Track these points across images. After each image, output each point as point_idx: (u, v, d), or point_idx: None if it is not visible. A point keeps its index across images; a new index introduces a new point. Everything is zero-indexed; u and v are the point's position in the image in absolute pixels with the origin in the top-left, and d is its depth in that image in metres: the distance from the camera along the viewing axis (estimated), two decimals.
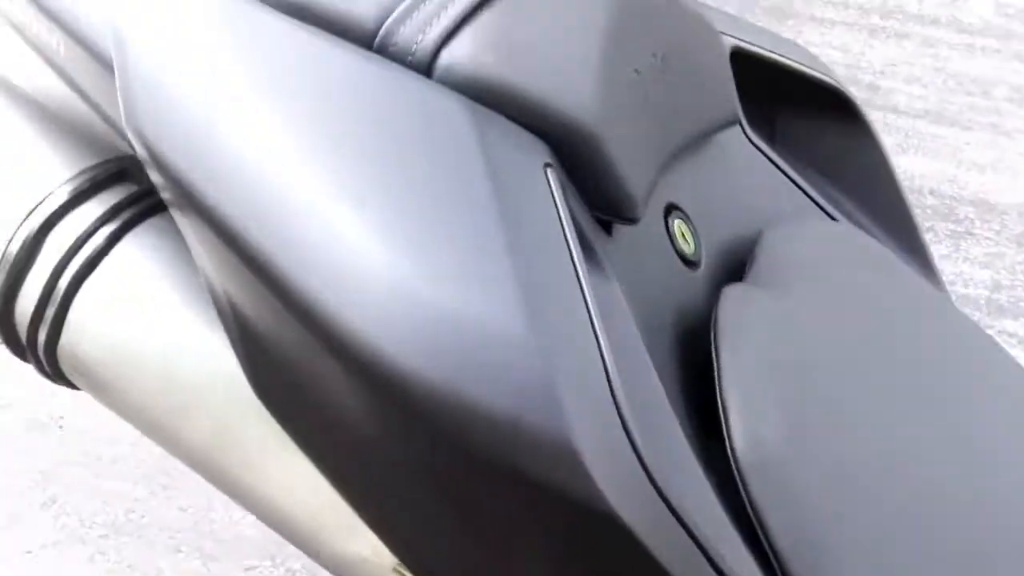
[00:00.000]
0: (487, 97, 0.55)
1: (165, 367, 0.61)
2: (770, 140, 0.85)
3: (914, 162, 2.66)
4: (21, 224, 0.63)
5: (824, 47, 3.12)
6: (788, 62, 0.81)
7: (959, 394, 0.72)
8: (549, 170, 0.54)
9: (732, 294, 0.63)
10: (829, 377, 0.64)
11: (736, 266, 0.69)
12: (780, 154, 0.83)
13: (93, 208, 0.63)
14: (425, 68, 0.56)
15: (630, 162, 0.58)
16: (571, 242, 0.51)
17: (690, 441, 0.55)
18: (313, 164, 0.50)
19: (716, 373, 0.59)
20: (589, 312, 0.49)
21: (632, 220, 0.59)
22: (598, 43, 0.59)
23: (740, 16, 0.86)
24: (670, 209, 0.68)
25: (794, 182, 0.78)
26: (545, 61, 0.56)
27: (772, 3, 3.27)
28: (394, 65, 0.55)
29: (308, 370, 0.50)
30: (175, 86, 0.54)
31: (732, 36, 0.78)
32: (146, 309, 0.61)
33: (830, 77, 0.84)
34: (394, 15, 0.56)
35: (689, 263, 0.67)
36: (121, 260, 0.62)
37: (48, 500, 1.68)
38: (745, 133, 0.76)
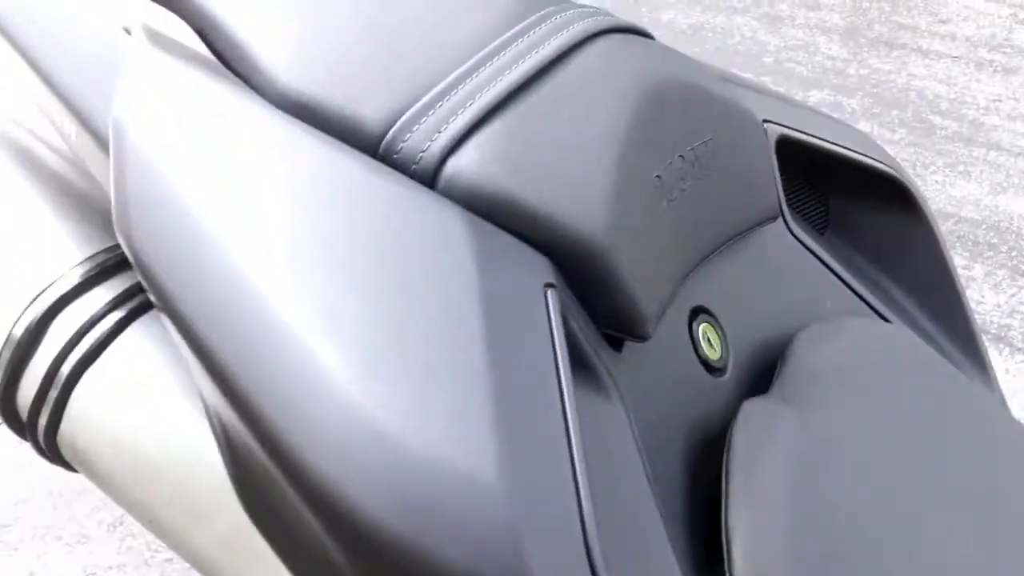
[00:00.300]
0: (491, 210, 0.53)
1: (170, 467, 0.60)
2: (823, 227, 0.81)
3: (1013, 202, 2.57)
4: (29, 305, 0.63)
5: (928, 79, 3.04)
6: (840, 150, 0.78)
7: (1016, 525, 0.68)
8: (550, 291, 0.52)
9: (750, 410, 0.60)
10: (853, 506, 0.60)
11: (766, 372, 0.66)
12: (832, 242, 0.80)
13: (102, 294, 0.62)
14: (430, 177, 0.54)
15: (642, 278, 0.56)
16: (563, 374, 0.49)
17: (698, 567, 0.53)
18: (293, 283, 0.48)
19: (724, 500, 0.56)
20: (572, 457, 0.47)
21: (642, 338, 0.56)
22: (610, 154, 0.56)
23: (794, 98, 0.83)
24: (696, 312, 0.65)
25: (840, 278, 0.75)
26: (552, 174, 0.54)
27: (877, 34, 3.20)
28: (395, 175, 0.53)
29: (278, 492, 0.49)
30: (165, 186, 0.53)
31: (779, 124, 0.74)
32: (151, 403, 0.60)
33: (887, 164, 0.81)
34: (401, 121, 0.55)
35: (714, 370, 0.64)
36: (127, 349, 0.61)
37: (115, 522, 1.70)
38: (788, 226, 0.73)
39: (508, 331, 0.49)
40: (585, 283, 0.54)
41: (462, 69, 0.57)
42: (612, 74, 0.60)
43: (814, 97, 2.91)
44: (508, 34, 0.59)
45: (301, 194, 0.52)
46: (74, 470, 0.64)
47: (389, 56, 0.57)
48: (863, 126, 2.80)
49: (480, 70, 0.57)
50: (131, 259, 0.53)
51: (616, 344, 0.57)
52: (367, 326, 0.47)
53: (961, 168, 2.69)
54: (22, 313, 0.62)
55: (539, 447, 0.46)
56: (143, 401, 0.60)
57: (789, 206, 0.79)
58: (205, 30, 0.61)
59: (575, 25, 0.61)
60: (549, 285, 0.52)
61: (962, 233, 2.45)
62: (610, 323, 0.56)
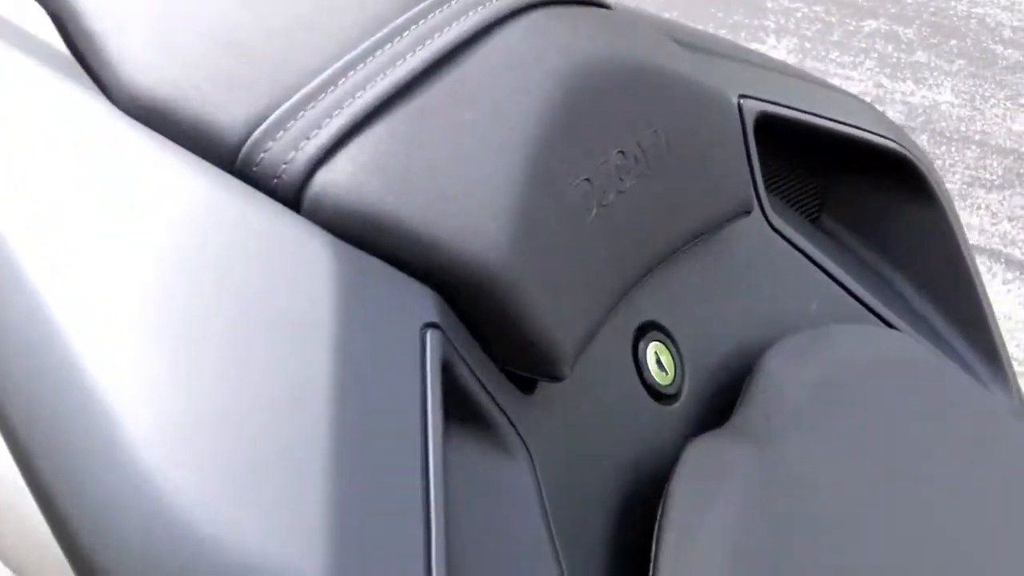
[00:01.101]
0: (367, 234, 0.45)
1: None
2: (817, 213, 0.71)
3: None
4: None
5: (989, 5, 2.87)
6: (835, 125, 0.68)
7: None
8: (430, 333, 0.43)
9: (696, 450, 0.51)
10: (807, 561, 0.51)
11: (729, 396, 0.57)
12: (829, 231, 0.70)
13: None
14: (293, 195, 0.45)
15: (557, 308, 0.47)
16: (431, 441, 0.40)
17: None
18: (101, 327, 0.40)
19: (652, 565, 0.47)
20: (430, 548, 0.38)
21: (556, 379, 0.47)
22: (519, 159, 0.47)
23: (792, 63, 0.72)
24: (645, 330, 0.56)
25: (830, 275, 0.65)
26: (444, 188, 0.45)
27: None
28: (250, 194, 0.45)
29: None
30: None
31: (759, 99, 0.64)
32: None
33: (895, 139, 0.70)
34: (262, 128, 0.46)
35: (663, 396, 0.55)
36: None
37: None
38: (767, 218, 0.63)
39: (366, 391, 0.40)
40: (482, 318, 0.46)
41: (340, 63, 0.48)
42: (530, 60, 0.50)
43: (869, 27, 2.76)
44: (402, 18, 0.50)
45: (129, 218, 0.43)
46: None
47: (258, 52, 0.49)
48: (920, 57, 2.65)
49: (362, 64, 0.48)
50: None
51: (528, 385, 0.48)
52: (183, 388, 0.39)
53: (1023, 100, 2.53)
54: None
55: (389, 540, 0.38)
56: None
57: (777, 191, 0.69)
58: (62, 17, 0.52)
59: (491, 3, 0.52)
60: (430, 325, 0.43)
61: (1022, 171, 2.31)
62: (515, 363, 0.47)
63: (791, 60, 2.56)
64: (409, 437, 0.40)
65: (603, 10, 0.58)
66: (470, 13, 0.51)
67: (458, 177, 0.45)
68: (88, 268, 0.42)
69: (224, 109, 0.46)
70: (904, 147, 0.70)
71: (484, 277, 0.45)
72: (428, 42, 0.49)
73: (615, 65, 0.54)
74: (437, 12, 0.51)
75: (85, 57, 0.50)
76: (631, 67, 0.55)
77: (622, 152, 0.52)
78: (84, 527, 0.37)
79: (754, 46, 2.56)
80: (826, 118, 0.67)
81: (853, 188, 0.71)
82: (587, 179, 0.50)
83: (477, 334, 0.46)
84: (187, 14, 0.51)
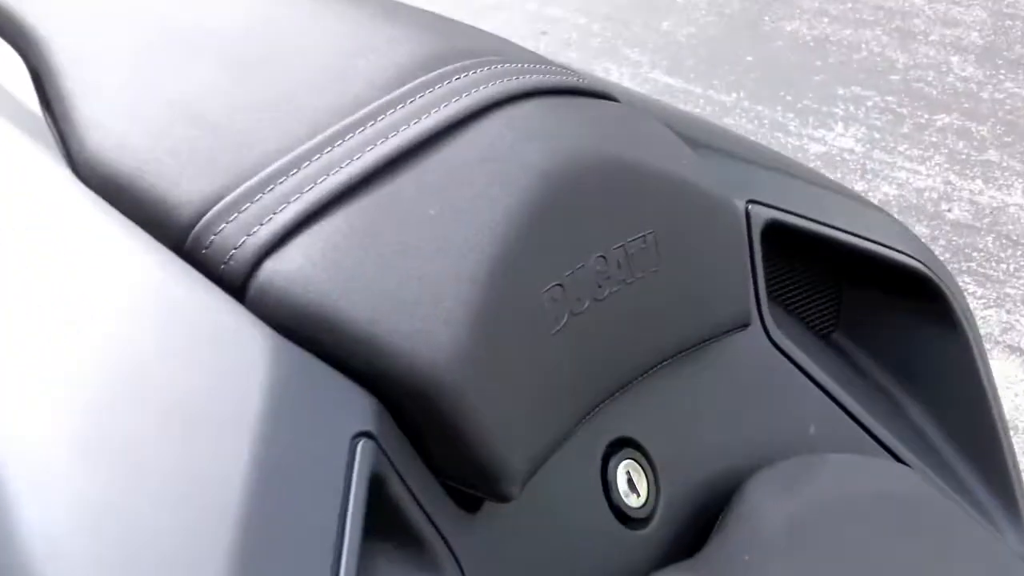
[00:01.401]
0: (309, 330, 0.42)
1: None
2: (830, 329, 0.68)
3: None
4: None
5: None
6: (854, 239, 0.64)
7: None
8: (363, 443, 0.40)
9: None
10: None
11: (705, 525, 0.54)
12: (841, 349, 0.66)
13: None
14: (239, 282, 0.43)
15: (508, 422, 0.44)
16: (345, 558, 0.37)
17: None
18: (12, 410, 0.38)
19: None
20: None
21: (503, 499, 0.44)
22: (480, 260, 0.44)
23: (811, 168, 0.69)
24: (617, 446, 0.53)
25: (832, 398, 0.61)
26: (394, 287, 0.43)
27: (1019, 56, 2.96)
28: (194, 279, 0.42)
29: None
30: None
31: (770, 206, 0.61)
32: None
33: (916, 256, 0.66)
34: (216, 208, 0.44)
35: (631, 520, 0.52)
36: None
37: None
38: (767, 332, 0.60)
39: (282, 500, 0.37)
40: (424, 428, 0.43)
41: (306, 146, 0.46)
42: (508, 154, 0.48)
43: (941, 121, 2.71)
44: (379, 102, 0.48)
45: (64, 294, 0.41)
46: None
47: (225, 127, 0.47)
48: (991, 155, 2.59)
49: (329, 148, 0.46)
50: None
51: (474, 503, 0.45)
52: (85, 478, 0.36)
53: None
54: None
55: None
56: None
57: (787, 302, 0.65)
58: (40, 75, 0.51)
59: (481, 88, 0.50)
60: (363, 435, 0.40)
61: None
62: (457, 479, 0.44)
63: (858, 150, 2.52)
64: (322, 552, 0.37)
65: (605, 102, 0.56)
66: (453, 100, 0.49)
67: (411, 276, 0.43)
68: (10, 338, 0.40)
69: (181, 185, 0.44)
70: (928, 267, 0.67)
71: (426, 385, 0.42)
72: (403, 128, 0.47)
73: (605, 163, 0.51)
74: (418, 97, 0.48)
75: (56, 118, 0.49)
76: (624, 166, 0.52)
77: (603, 257, 0.49)
78: None
79: (821, 132, 2.53)
80: (843, 230, 0.63)
81: (870, 305, 0.67)
82: (559, 284, 0.47)
83: (419, 445, 0.43)
84: (160, 81, 0.49)
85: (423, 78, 0.50)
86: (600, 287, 0.49)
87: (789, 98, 2.66)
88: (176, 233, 0.44)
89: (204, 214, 0.44)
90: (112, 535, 0.35)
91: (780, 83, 2.72)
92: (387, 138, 0.46)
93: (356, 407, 0.41)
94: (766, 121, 2.52)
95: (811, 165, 2.18)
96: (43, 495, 0.36)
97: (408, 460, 0.42)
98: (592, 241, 0.49)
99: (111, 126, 0.47)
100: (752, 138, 0.66)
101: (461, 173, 0.46)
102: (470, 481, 0.44)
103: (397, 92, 0.49)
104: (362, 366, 0.42)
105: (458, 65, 0.51)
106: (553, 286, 0.47)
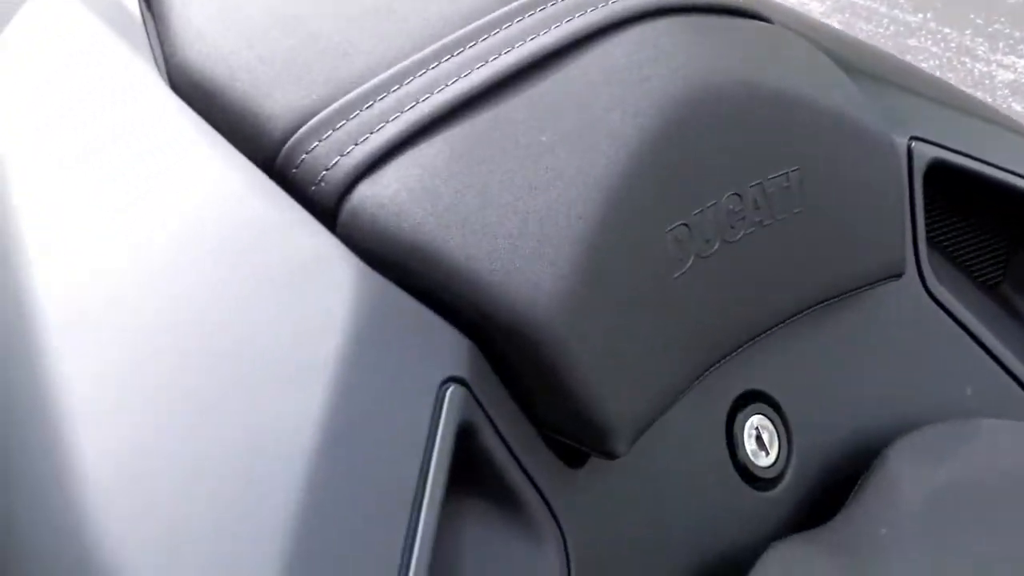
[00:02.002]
0: (402, 262, 0.39)
1: None
2: (997, 280, 0.61)
3: None
4: None
5: None
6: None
7: None
8: (452, 388, 0.37)
9: (776, 558, 0.43)
10: None
11: (840, 490, 0.49)
12: (1009, 303, 0.60)
13: None
14: (330, 206, 0.40)
15: (620, 375, 0.40)
16: (424, 515, 0.34)
17: None
18: (73, 350, 0.36)
19: None
20: None
21: (610, 455, 0.40)
22: (596, 194, 0.40)
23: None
24: (746, 400, 0.48)
25: (994, 356, 0.55)
26: (495, 221, 0.39)
27: None
28: (282, 201, 0.39)
29: None
30: None
31: (936, 144, 0.55)
32: None
33: None
34: (310, 124, 0.41)
35: (758, 480, 0.47)
36: None
37: None
38: (924, 284, 0.54)
39: (361, 449, 0.34)
40: (525, 376, 0.39)
41: (409, 61, 0.42)
42: (635, 76, 0.43)
43: None
44: (495, 14, 0.44)
45: (145, 211, 0.39)
46: None
47: (324, 36, 0.43)
48: None
49: (435, 63, 0.42)
50: None
51: (578, 457, 0.42)
52: (157, 423, 0.34)
53: None
54: None
55: None
56: None
57: (949, 250, 0.59)
58: None
59: (609, 2, 0.45)
60: (454, 380, 0.37)
61: None
62: (560, 431, 0.40)
63: None
64: (398, 506, 0.34)
65: (753, 22, 0.50)
66: (577, 15, 0.44)
67: (516, 209, 0.39)
68: (87, 259, 0.37)
69: (274, 97, 0.41)
70: None
71: (527, 327, 0.38)
72: (518, 45, 0.43)
73: (746, 90, 0.46)
74: (538, 10, 0.44)
75: (156, 23, 0.46)
76: (768, 94, 0.46)
77: (738, 195, 0.44)
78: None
79: (1011, 60, 2.36)
80: (1017, 174, 0.56)
81: None
82: (684, 224, 0.42)
83: (518, 393, 0.39)
84: None
85: None
86: (733, 228, 0.44)
87: (979, 21, 2.49)
88: (266, 149, 0.41)
89: (296, 130, 0.40)
90: (175, 478, 0.33)
91: (971, 4, 2.55)
92: (499, 55, 0.42)
93: (448, 349, 0.37)
94: (952, 45, 2.37)
95: (997, 94, 2.04)
96: (105, 431, 0.34)
97: (505, 409, 0.38)
98: (726, 177, 0.44)
99: (206, 30, 0.44)
100: (936, 63, 0.60)
101: (580, 96, 0.42)
102: (572, 435, 0.40)
103: (515, 4, 0.44)
104: (458, 305, 0.38)
105: None
106: (678, 226, 0.42)
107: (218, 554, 0.31)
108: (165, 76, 0.44)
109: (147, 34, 0.46)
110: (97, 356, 0.35)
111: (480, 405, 0.37)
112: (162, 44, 0.45)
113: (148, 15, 0.47)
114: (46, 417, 0.34)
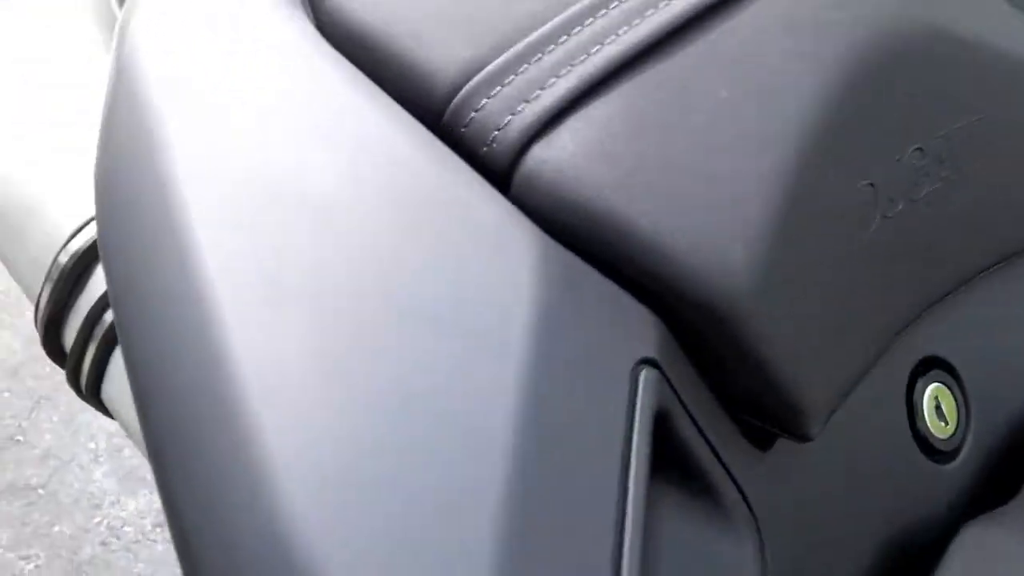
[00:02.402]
0: (582, 231, 0.36)
1: None
2: None
3: None
4: (80, 229, 0.51)
5: None
6: None
7: None
8: (646, 371, 0.34)
9: (971, 540, 0.41)
10: None
11: (1020, 461, 0.46)
12: None
13: None
14: (503, 170, 0.37)
15: (814, 349, 0.37)
16: (631, 508, 0.32)
17: None
18: (262, 330, 0.33)
19: None
20: None
21: (802, 438, 0.38)
22: (787, 156, 0.37)
23: None
24: (927, 366, 0.45)
25: None
26: (682, 186, 0.36)
27: None
28: (454, 164, 0.36)
29: None
30: (152, 135, 0.38)
31: None
32: None
33: None
34: (477, 78, 0.38)
35: (937, 453, 0.45)
36: None
37: None
38: None
39: (557, 437, 0.32)
40: (713, 353, 0.36)
41: (577, 7, 0.39)
42: (814, 21, 0.39)
43: None
44: None
45: (307, 171, 0.36)
46: (112, 416, 0.53)
47: None
48: None
49: (602, 11, 0.39)
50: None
51: (764, 438, 0.39)
52: (344, 420, 0.31)
53: None
54: (71, 237, 0.51)
55: None
56: None
57: None
58: None
59: None
60: (646, 362, 0.34)
61: None
62: (752, 412, 0.37)
63: None
64: (605, 500, 0.32)
65: None
66: None
67: (701, 172, 0.36)
68: (251, 228, 0.35)
69: (435, 49, 0.38)
70: None
71: (724, 304, 0.35)
72: None
73: (928, 34, 0.42)
74: None
75: None
76: (950, 39, 0.43)
77: (920, 149, 0.41)
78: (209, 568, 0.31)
79: None
80: None
81: None
82: (870, 183, 0.39)
83: (703, 370, 0.37)
84: None
85: None
86: (917, 185, 0.41)
87: None
88: (430, 105, 0.38)
89: (463, 85, 0.37)
90: (376, 469, 0.30)
91: None
92: (665, 3, 0.39)
93: (638, 328, 0.34)
94: None
95: None
96: (279, 409, 0.31)
97: (694, 391, 0.36)
98: (911, 130, 0.41)
99: None
100: None
101: (757, 45, 0.39)
102: (765, 416, 0.37)
103: None
104: (642, 278, 0.35)
105: None
106: (864, 184, 0.39)
107: (426, 549, 0.29)
108: (313, 23, 0.41)
109: None
110: (284, 334, 0.32)
111: (673, 389, 0.34)
112: None
113: None
114: (237, 404, 0.31)
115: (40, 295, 0.50)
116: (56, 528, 1.44)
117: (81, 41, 0.58)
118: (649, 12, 0.38)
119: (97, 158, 0.39)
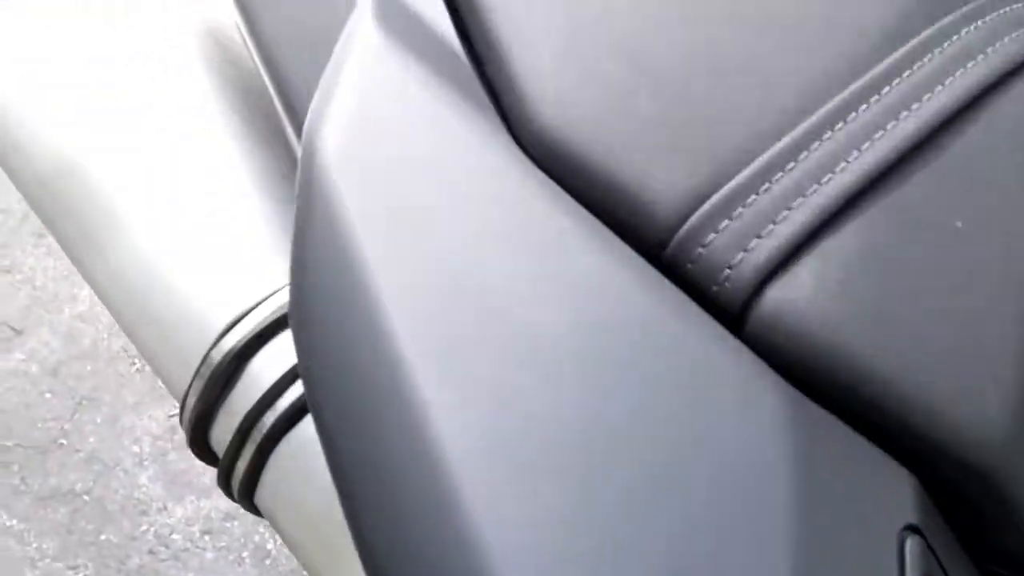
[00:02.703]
0: (823, 383, 0.34)
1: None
2: None
3: None
4: (235, 324, 0.49)
5: None
6: None
7: None
8: (911, 540, 0.32)
9: None
10: None
11: None
12: None
13: None
14: (737, 310, 0.35)
15: None
16: None
17: None
18: (490, 471, 0.31)
19: None
20: None
21: None
22: None
23: None
24: None
25: None
26: (930, 332, 0.34)
27: None
28: (685, 305, 0.34)
29: None
30: (352, 258, 0.35)
31: None
32: None
33: None
34: (703, 210, 0.36)
35: None
36: None
37: None
38: None
39: None
40: (975, 513, 0.34)
41: (800, 129, 0.37)
42: None
43: None
44: (882, 66, 0.38)
45: (520, 301, 0.34)
46: (261, 515, 0.51)
47: (695, 100, 0.38)
48: None
49: (827, 133, 0.37)
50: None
51: None
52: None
53: None
54: (223, 333, 0.48)
55: None
56: None
57: None
58: (461, 9, 0.43)
59: (1007, 40, 0.39)
60: (910, 529, 0.32)
61: None
62: (1003, 564, 0.36)
63: None
64: None
65: None
66: (969, 64, 0.38)
67: (944, 314, 0.34)
68: (480, 385, 0.33)
69: (654, 175, 0.36)
70: None
71: (985, 461, 0.33)
72: (915, 107, 0.37)
73: None
74: (926, 59, 0.38)
75: (483, 66, 0.41)
76: None
77: None
78: None
79: None
80: None
81: None
82: None
83: (953, 522, 0.35)
84: (606, 27, 0.40)
85: (928, 31, 0.39)
86: None
87: None
88: (650, 237, 0.36)
89: (687, 217, 0.35)
90: None
91: None
92: (898, 119, 0.37)
93: (898, 490, 0.33)
94: None
95: None
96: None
97: (950, 554, 0.34)
98: None
99: (556, 88, 0.39)
100: None
101: (988, 167, 0.37)
102: (1016, 569, 0.35)
103: (901, 51, 0.39)
104: (892, 432, 0.33)
105: (971, 8, 0.40)
106: None
107: None
108: (509, 137, 0.39)
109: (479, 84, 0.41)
110: (537, 508, 0.30)
111: (935, 556, 0.32)
112: (498, 93, 0.40)
113: (477, 70, 0.41)
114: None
115: (188, 392, 0.48)
116: (103, 536, 1.42)
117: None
118: (878, 133, 0.36)
119: (292, 295, 0.36)
